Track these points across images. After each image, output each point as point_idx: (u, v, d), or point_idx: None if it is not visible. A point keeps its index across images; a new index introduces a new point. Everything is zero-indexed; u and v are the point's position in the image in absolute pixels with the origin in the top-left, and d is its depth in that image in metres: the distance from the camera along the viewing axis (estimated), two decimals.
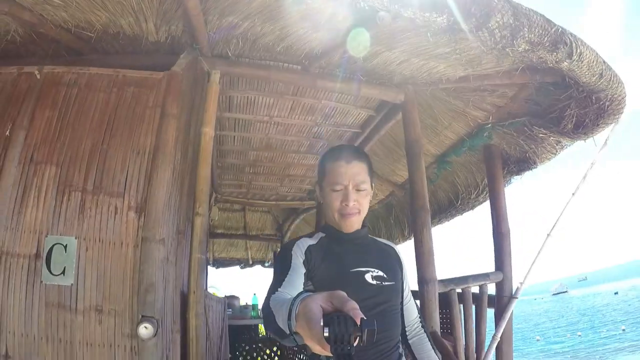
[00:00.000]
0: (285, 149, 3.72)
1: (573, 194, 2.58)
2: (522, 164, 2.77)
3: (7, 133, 1.98)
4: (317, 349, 0.65)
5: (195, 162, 2.31)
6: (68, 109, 2.06)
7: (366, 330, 0.61)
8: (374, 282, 1.27)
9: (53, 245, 1.84)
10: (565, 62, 1.94)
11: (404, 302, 1.39)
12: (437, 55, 2.23)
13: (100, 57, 2.37)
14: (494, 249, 2.74)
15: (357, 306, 0.64)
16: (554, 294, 72.61)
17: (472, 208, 3.32)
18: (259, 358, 4.90)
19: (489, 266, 2.75)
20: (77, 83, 2.12)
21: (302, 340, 0.73)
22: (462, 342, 2.45)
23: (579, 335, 24.77)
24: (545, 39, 1.82)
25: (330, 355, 0.61)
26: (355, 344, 0.61)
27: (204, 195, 2.26)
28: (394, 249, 1.46)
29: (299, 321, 0.72)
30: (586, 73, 1.97)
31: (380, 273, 1.31)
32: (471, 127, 2.83)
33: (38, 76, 2.10)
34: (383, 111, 3.01)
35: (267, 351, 4.92)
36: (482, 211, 3.12)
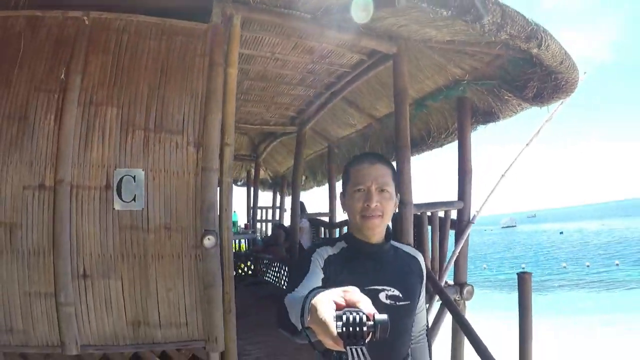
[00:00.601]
0: (278, 80, 4.19)
1: (527, 144, 3.42)
2: (488, 116, 3.53)
3: (62, 77, 2.32)
4: (329, 343, 0.68)
5: (223, 99, 2.64)
6: (121, 54, 2.42)
7: (379, 326, 0.65)
8: (388, 301, 1.30)
9: (122, 177, 2.32)
10: (535, 49, 2.60)
11: (416, 312, 1.43)
12: (432, 26, 2.78)
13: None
14: (458, 182, 3.57)
15: (369, 301, 0.69)
16: (503, 227, 78.33)
17: (440, 146, 4.12)
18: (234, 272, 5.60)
19: (452, 197, 3.59)
20: (126, 30, 2.45)
21: (314, 336, 0.76)
22: (429, 255, 3.31)
23: (523, 268, 28.48)
24: (522, 34, 2.47)
25: (343, 350, 0.63)
26: (368, 340, 0.64)
27: (231, 128, 2.66)
28: (416, 259, 1.48)
29: (311, 316, 0.75)
30: (550, 59, 2.67)
31: (396, 292, 1.35)
32: (449, 81, 3.49)
33: (87, 22, 2.39)
34: (374, 57, 3.54)
35: (242, 265, 5.65)
36: (449, 151, 3.86)
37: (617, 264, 27.74)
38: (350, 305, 0.69)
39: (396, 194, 1.37)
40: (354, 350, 0.62)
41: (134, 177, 2.33)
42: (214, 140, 2.46)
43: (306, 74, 4.03)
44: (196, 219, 2.39)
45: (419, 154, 4.42)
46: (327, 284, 1.20)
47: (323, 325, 0.68)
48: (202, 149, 2.43)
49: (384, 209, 1.33)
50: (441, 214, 3.44)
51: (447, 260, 3.39)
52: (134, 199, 2.31)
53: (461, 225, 3.48)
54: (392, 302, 1.31)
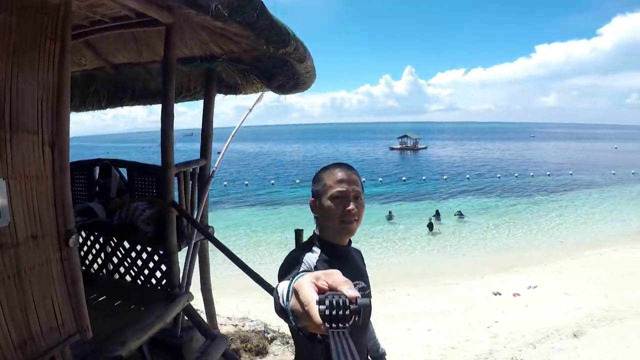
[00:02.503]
0: None
1: (250, 109, 4.66)
2: (232, 89, 4.52)
3: None
4: (312, 327, 0.71)
5: None
6: None
7: (362, 309, 0.68)
8: (360, 293, 1.33)
9: None
10: (297, 62, 3.82)
11: None
12: None
13: None
14: (201, 143, 4.47)
15: (352, 285, 0.73)
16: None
17: (177, 102, 4.70)
18: None
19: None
20: None
21: (299, 320, 0.79)
22: (183, 203, 4.17)
23: None
24: (299, 56, 3.60)
25: (326, 335, 0.65)
26: (350, 323, 0.67)
27: None
28: (360, 253, 1.75)
29: (293, 299, 0.78)
30: (302, 69, 3.95)
31: (363, 284, 1.58)
32: (206, 54, 4.16)
33: None
34: (143, 18, 3.63)
35: None
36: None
37: (272, 184, 35.89)
38: (333, 289, 0.72)
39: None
40: (336, 333, 0.64)
41: None
42: (66, 137, 2.49)
43: None
44: (58, 221, 2.46)
45: (156, 104, 4.85)
46: None
47: (304, 309, 0.72)
48: (57, 148, 2.42)
49: (359, 213, 1.55)
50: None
51: (197, 206, 4.34)
52: None
53: (204, 178, 4.46)
54: (362, 292, 1.52)
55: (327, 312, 0.67)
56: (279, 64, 4.03)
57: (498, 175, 43.18)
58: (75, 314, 2.56)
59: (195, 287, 4.33)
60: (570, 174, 42.72)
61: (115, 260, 4.19)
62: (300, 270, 1.41)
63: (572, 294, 10.47)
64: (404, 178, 41.60)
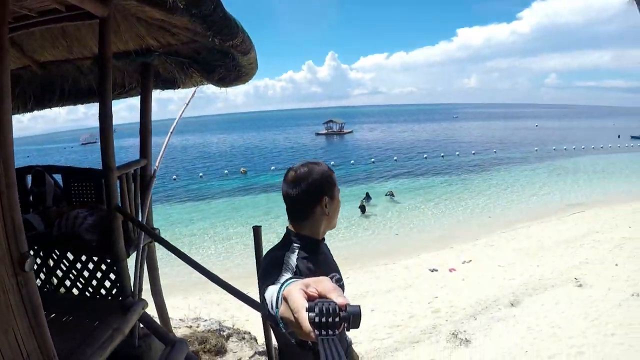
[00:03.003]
0: None
1: (187, 104, 4.54)
2: (169, 84, 4.32)
3: None
4: (301, 334, 0.73)
5: None
6: None
7: (351, 316, 0.70)
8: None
9: None
10: (239, 55, 3.75)
11: None
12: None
13: None
14: (140, 141, 4.25)
15: (342, 292, 0.75)
16: (82, 144, 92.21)
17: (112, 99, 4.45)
18: None
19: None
20: None
21: (287, 327, 0.82)
22: (127, 207, 4.00)
23: None
24: (243, 49, 3.51)
25: (316, 341, 0.67)
26: (339, 330, 0.69)
27: None
28: (326, 244, 1.82)
29: (283, 307, 0.80)
30: (244, 61, 3.83)
31: (338, 275, 1.68)
32: (142, 49, 3.95)
33: None
34: (74, 12, 3.38)
35: None
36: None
37: (201, 176, 36.90)
38: (322, 296, 0.74)
39: None
40: (325, 340, 0.66)
41: None
42: (10, 148, 2.29)
43: None
44: (10, 245, 2.28)
45: (87, 103, 4.58)
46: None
47: (293, 317, 0.74)
48: (1, 162, 2.24)
49: None
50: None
51: (141, 207, 4.17)
52: None
53: (146, 179, 4.28)
54: (337, 284, 1.44)
55: (316, 319, 0.69)
56: (220, 57, 3.92)
57: (425, 156, 44.92)
58: (40, 343, 2.39)
59: (144, 293, 4.22)
60: (495, 152, 45.73)
61: (59, 273, 3.94)
62: (283, 271, 1.44)
63: (505, 266, 11.26)
64: (332, 163, 41.80)
